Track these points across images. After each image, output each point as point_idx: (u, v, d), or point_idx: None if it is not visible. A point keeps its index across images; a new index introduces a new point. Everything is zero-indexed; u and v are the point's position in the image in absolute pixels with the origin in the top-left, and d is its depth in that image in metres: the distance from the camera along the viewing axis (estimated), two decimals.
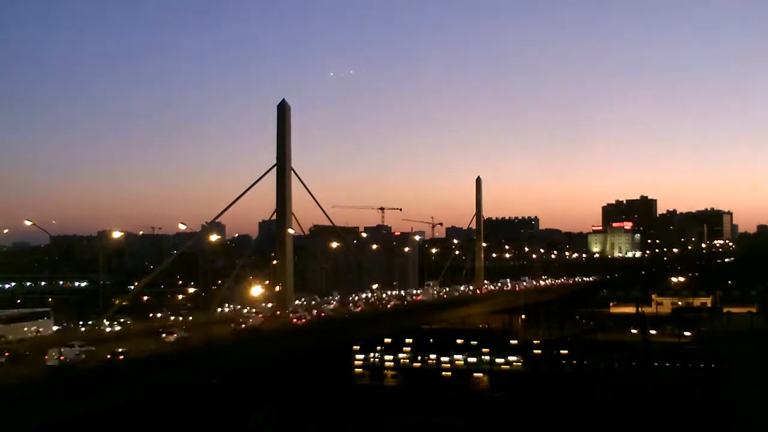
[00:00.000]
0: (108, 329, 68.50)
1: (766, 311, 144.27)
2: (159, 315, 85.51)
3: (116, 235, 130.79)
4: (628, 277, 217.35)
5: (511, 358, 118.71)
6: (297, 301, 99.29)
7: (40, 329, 63.54)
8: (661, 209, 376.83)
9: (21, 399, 42.62)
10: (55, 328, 67.27)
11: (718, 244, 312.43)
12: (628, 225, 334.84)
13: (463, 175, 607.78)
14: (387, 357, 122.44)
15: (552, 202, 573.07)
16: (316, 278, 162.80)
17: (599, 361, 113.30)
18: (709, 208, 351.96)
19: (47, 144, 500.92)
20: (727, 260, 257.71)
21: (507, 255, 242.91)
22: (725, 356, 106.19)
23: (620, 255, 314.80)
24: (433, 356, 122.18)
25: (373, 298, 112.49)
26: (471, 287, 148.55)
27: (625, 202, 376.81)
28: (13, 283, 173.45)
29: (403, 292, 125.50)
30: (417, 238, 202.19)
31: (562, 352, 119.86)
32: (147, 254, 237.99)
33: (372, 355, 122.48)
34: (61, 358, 48.48)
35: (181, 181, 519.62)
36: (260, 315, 78.36)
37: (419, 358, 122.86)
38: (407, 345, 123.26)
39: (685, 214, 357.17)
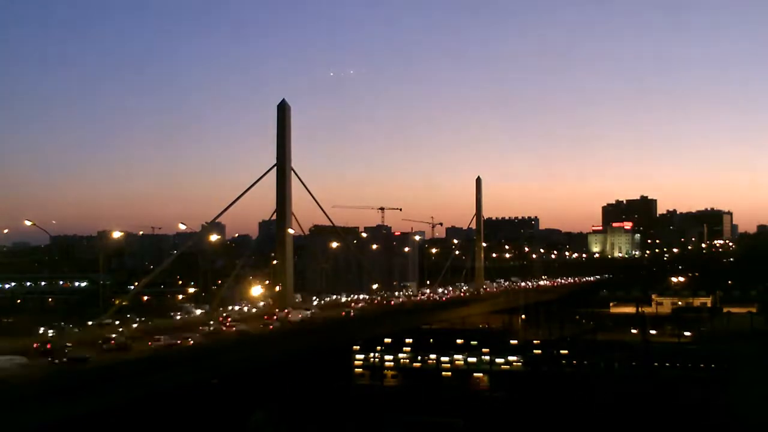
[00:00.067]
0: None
1: (766, 311, 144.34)
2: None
3: (116, 235, 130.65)
4: (628, 277, 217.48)
5: (511, 358, 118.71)
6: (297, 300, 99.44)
7: None
8: (661, 209, 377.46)
9: (21, 399, 42.62)
10: None
11: (718, 244, 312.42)
12: (628, 225, 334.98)
13: (463, 175, 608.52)
14: (387, 357, 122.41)
15: (552, 202, 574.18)
16: (316, 278, 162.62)
17: (599, 361, 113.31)
18: (709, 208, 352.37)
19: (47, 144, 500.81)
20: (727, 260, 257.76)
21: (507, 255, 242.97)
22: (725, 356, 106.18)
23: (620, 255, 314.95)
24: (433, 356, 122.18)
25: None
26: (465, 288, 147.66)
27: (625, 202, 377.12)
28: (13, 283, 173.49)
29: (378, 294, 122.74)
30: (417, 238, 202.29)
31: (562, 352, 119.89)
32: (147, 254, 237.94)
33: (372, 355, 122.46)
34: None
35: (181, 181, 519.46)
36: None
37: (419, 358, 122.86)
38: (407, 345, 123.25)
39: (685, 214, 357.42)
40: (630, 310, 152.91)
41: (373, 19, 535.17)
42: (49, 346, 53.29)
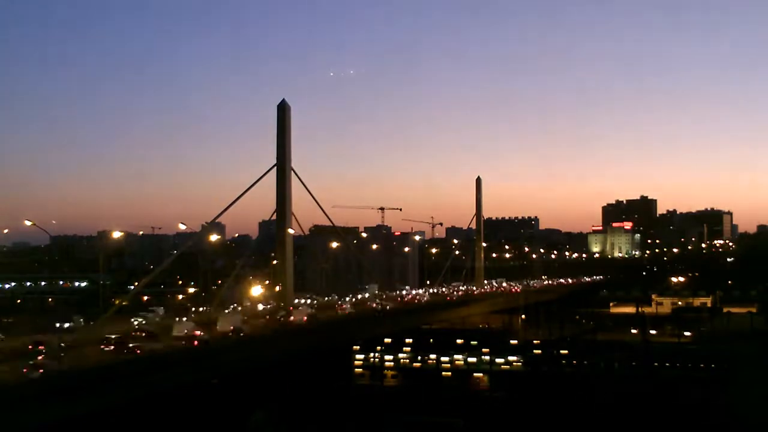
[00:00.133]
0: None
1: (766, 311, 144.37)
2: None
3: (116, 235, 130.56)
4: (628, 277, 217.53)
5: (511, 358, 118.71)
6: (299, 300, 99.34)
7: None
8: (661, 209, 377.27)
9: (21, 399, 42.62)
10: None
11: (718, 244, 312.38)
12: (628, 225, 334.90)
13: (463, 175, 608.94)
14: (387, 357, 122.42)
15: (552, 202, 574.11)
16: (316, 278, 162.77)
17: (599, 361, 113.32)
18: (709, 208, 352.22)
19: (47, 144, 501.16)
20: (727, 260, 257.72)
21: (507, 255, 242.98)
22: (725, 356, 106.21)
23: (620, 255, 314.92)
24: (433, 356, 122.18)
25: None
26: (461, 288, 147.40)
27: (625, 202, 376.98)
28: (13, 283, 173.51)
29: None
30: (417, 238, 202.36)
31: (562, 352, 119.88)
32: (147, 254, 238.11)
33: (372, 355, 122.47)
34: None
35: (181, 181, 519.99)
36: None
37: (419, 358, 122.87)
38: (407, 345, 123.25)
39: (685, 214, 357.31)
40: (630, 310, 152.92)
41: (373, 19, 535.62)
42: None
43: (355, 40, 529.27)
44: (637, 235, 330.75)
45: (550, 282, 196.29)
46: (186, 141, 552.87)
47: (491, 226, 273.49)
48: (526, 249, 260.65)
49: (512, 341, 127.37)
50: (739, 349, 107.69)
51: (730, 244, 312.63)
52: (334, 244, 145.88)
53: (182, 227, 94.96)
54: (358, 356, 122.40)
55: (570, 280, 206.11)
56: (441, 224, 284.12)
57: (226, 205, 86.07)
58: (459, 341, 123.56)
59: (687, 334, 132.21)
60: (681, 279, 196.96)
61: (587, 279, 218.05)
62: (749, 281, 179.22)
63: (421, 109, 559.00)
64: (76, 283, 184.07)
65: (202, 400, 74.20)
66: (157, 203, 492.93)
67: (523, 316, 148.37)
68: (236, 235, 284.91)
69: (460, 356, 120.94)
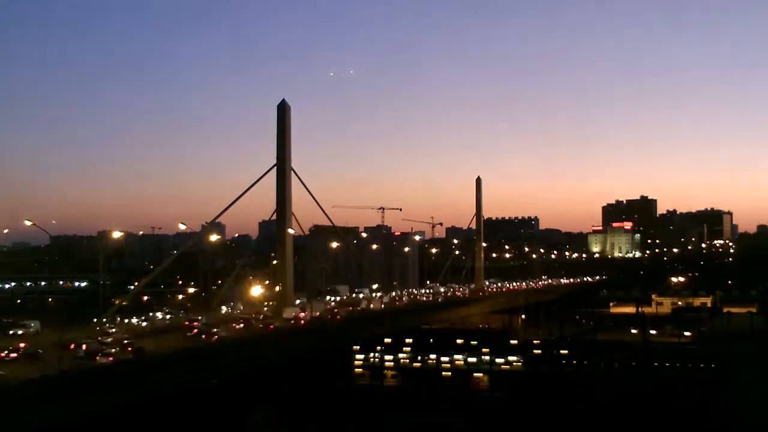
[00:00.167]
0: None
1: (766, 311, 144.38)
2: None
3: (116, 235, 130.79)
4: (628, 277, 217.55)
5: (511, 358, 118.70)
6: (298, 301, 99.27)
7: None
8: (661, 209, 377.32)
9: (21, 399, 42.62)
10: None
11: (718, 244, 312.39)
12: (628, 225, 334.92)
13: (463, 175, 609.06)
14: (387, 357, 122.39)
15: (552, 202, 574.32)
16: (316, 278, 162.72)
17: (599, 361, 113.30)
18: (709, 208, 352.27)
19: (47, 144, 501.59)
20: (727, 260, 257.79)
21: (507, 255, 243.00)
22: (725, 356, 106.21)
23: (620, 255, 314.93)
24: (433, 356, 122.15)
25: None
26: (457, 288, 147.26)
27: (625, 202, 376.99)
28: (13, 283, 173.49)
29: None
30: (417, 238, 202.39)
31: (562, 352, 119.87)
32: (147, 254, 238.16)
33: (372, 355, 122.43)
34: None
35: (181, 181, 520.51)
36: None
37: (419, 358, 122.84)
38: (407, 345, 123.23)
39: (685, 214, 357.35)
40: (630, 310, 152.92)
41: (373, 19, 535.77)
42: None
43: (355, 40, 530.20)
44: (637, 235, 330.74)
45: (550, 282, 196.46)
46: (186, 141, 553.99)
47: (491, 226, 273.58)
48: (526, 249, 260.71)
49: (512, 341, 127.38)
50: (739, 349, 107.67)
51: (730, 244, 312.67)
52: (334, 244, 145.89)
53: (182, 227, 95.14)
54: (358, 356, 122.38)
55: (570, 280, 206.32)
56: (441, 224, 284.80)
57: (226, 205, 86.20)
58: (459, 341, 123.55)
59: (687, 334, 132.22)
60: (681, 279, 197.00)
61: (587, 279, 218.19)
62: (749, 281, 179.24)
63: (421, 109, 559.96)
64: (76, 283, 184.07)
65: (202, 400, 74.15)
66: (157, 203, 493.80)
67: (523, 316, 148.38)
68: (236, 235, 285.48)
69: (460, 356, 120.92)
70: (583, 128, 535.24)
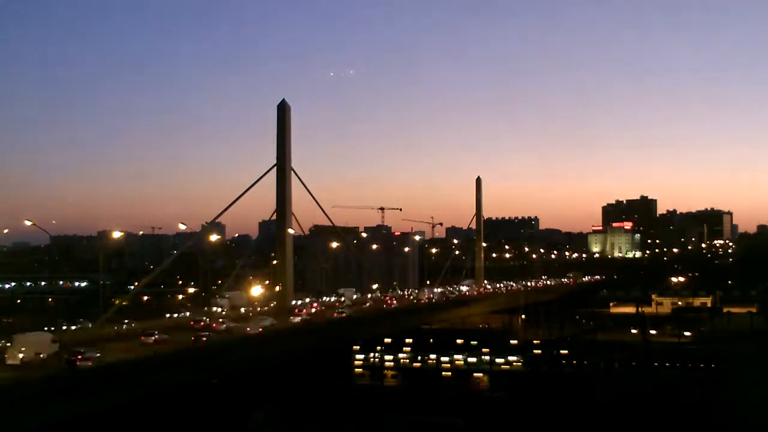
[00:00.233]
0: None
1: (766, 311, 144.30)
2: None
3: (116, 235, 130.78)
4: (628, 277, 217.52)
5: (511, 358, 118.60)
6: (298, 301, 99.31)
7: None
8: (661, 209, 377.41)
9: (21, 399, 42.61)
10: None
11: (718, 244, 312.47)
12: (628, 225, 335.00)
13: (463, 175, 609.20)
14: (387, 357, 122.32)
15: (552, 202, 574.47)
16: (316, 278, 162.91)
17: (599, 361, 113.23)
18: (709, 208, 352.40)
19: (47, 144, 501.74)
20: (727, 260, 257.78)
21: (507, 255, 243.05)
22: (725, 356, 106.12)
23: (620, 255, 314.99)
24: (433, 356, 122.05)
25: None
26: (454, 288, 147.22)
27: (625, 202, 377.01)
28: (13, 283, 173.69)
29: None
30: (417, 238, 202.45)
31: (562, 352, 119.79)
32: (147, 254, 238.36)
33: (372, 355, 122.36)
34: None
35: (181, 181, 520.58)
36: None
37: (419, 358, 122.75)
38: (407, 345, 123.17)
39: (685, 214, 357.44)
40: (630, 310, 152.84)
41: (373, 19, 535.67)
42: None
43: (355, 40, 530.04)
44: (637, 235, 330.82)
45: (550, 282, 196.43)
46: (186, 141, 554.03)
47: (491, 226, 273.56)
48: (526, 249, 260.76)
49: (512, 341, 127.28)
50: (739, 349, 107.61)
51: (730, 244, 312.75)
52: (334, 244, 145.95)
53: (182, 227, 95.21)
54: (358, 356, 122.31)
55: (568, 281, 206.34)
56: (441, 224, 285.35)
57: (226, 205, 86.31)
58: (459, 341, 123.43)
59: (687, 334, 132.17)
60: (681, 279, 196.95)
61: (588, 279, 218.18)
62: (749, 281, 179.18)
63: (421, 109, 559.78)
64: (76, 283, 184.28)
65: (202, 400, 74.14)
66: (157, 203, 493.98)
67: (523, 316, 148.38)
68: (236, 235, 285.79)
69: (460, 356, 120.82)
70: (583, 128, 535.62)
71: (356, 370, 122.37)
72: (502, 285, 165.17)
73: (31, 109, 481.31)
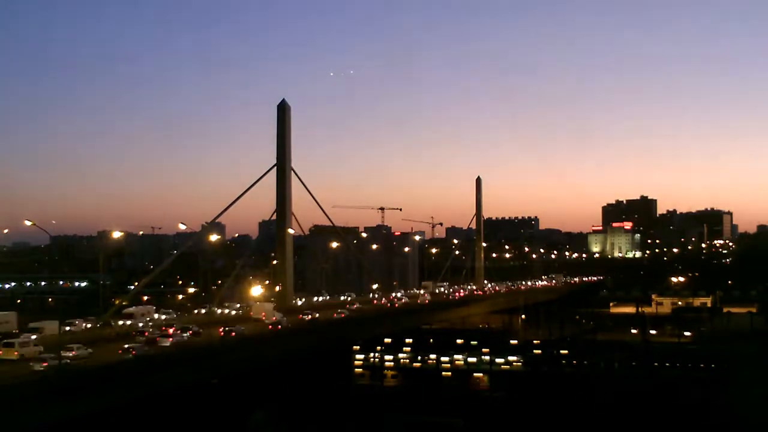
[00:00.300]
0: None
1: (766, 311, 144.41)
2: None
3: (116, 235, 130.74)
4: (628, 277, 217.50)
5: (511, 358, 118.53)
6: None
7: None
8: (661, 209, 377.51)
9: (21, 399, 42.59)
10: None
11: (718, 244, 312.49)
12: (628, 225, 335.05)
13: (463, 175, 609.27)
14: (387, 357, 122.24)
15: (552, 202, 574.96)
16: (316, 278, 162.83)
17: (599, 361, 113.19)
18: (709, 208, 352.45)
19: (47, 144, 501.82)
20: (727, 260, 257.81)
21: (507, 255, 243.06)
22: (725, 356, 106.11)
23: (620, 255, 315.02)
24: (433, 356, 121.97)
25: None
26: (451, 289, 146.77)
27: (625, 202, 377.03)
28: (13, 283, 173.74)
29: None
30: (417, 238, 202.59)
31: (562, 352, 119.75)
32: (147, 254, 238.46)
33: (372, 355, 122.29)
34: None
35: (181, 181, 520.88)
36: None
37: (419, 358, 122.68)
38: (407, 345, 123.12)
39: (685, 214, 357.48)
40: (630, 310, 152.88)
41: (373, 19, 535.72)
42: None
43: (355, 39, 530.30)
44: (637, 235, 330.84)
45: (549, 283, 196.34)
46: (186, 141, 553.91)
47: (491, 226, 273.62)
48: (526, 249, 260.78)
49: (512, 341, 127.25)
50: (739, 349, 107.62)
51: (730, 244, 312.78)
52: (334, 244, 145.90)
53: (182, 227, 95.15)
54: (358, 356, 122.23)
55: (568, 280, 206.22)
56: (441, 224, 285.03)
57: (226, 205, 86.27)
58: (459, 341, 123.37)
59: (687, 334, 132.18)
60: (681, 279, 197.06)
61: (587, 279, 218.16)
62: (749, 281, 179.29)
63: (421, 109, 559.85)
64: (76, 283, 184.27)
65: (202, 400, 74.13)
66: (157, 203, 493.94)
67: (523, 316, 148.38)
68: (236, 235, 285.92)
69: (460, 356, 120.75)
70: (584, 128, 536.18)
71: (356, 370, 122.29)
72: (494, 285, 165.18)
73: (31, 109, 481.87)
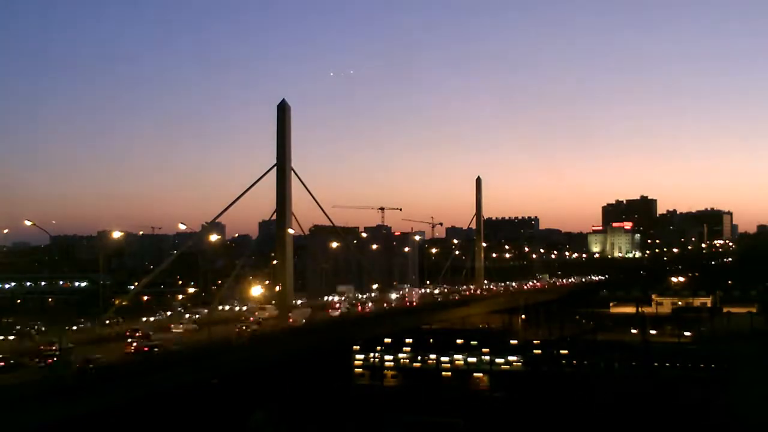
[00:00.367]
0: None
1: (766, 311, 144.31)
2: None
3: (116, 235, 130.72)
4: (628, 277, 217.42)
5: (511, 358, 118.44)
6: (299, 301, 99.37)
7: None
8: (661, 209, 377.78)
9: (21, 399, 42.60)
10: None
11: (718, 244, 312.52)
12: (628, 225, 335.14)
13: (463, 175, 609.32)
14: (387, 357, 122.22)
15: (552, 202, 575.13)
16: (316, 278, 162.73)
17: (599, 361, 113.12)
18: (709, 208, 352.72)
19: (47, 144, 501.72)
20: (727, 260, 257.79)
21: (507, 255, 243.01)
22: (725, 356, 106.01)
23: (620, 255, 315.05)
24: (433, 356, 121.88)
25: None
26: (451, 288, 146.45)
27: (625, 202, 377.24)
28: (13, 283, 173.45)
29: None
30: (417, 238, 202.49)
31: (562, 352, 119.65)
32: (147, 254, 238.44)
33: (372, 355, 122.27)
34: None
35: (181, 181, 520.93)
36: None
37: (419, 358, 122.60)
38: (407, 345, 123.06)
39: (685, 214, 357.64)
40: (630, 310, 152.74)
41: (373, 19, 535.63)
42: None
43: (355, 39, 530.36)
44: (637, 235, 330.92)
45: (549, 284, 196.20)
46: (186, 141, 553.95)
47: (491, 226, 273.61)
48: (526, 249, 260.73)
49: (512, 341, 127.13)
50: (739, 349, 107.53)
51: (730, 244, 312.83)
52: (334, 244, 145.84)
53: (182, 227, 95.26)
54: (358, 356, 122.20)
55: (568, 280, 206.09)
56: (441, 224, 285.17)
57: (226, 205, 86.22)
58: (459, 341, 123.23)
59: (687, 334, 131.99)
60: (681, 279, 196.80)
61: (587, 279, 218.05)
62: (749, 281, 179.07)
63: (421, 108, 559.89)
64: (76, 283, 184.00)
65: (202, 400, 74.13)
66: (157, 203, 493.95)
67: (523, 316, 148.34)
68: (236, 235, 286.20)
69: (460, 356, 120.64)
70: (584, 128, 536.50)
71: (356, 370, 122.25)
72: (492, 285, 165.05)
73: (31, 109, 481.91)
